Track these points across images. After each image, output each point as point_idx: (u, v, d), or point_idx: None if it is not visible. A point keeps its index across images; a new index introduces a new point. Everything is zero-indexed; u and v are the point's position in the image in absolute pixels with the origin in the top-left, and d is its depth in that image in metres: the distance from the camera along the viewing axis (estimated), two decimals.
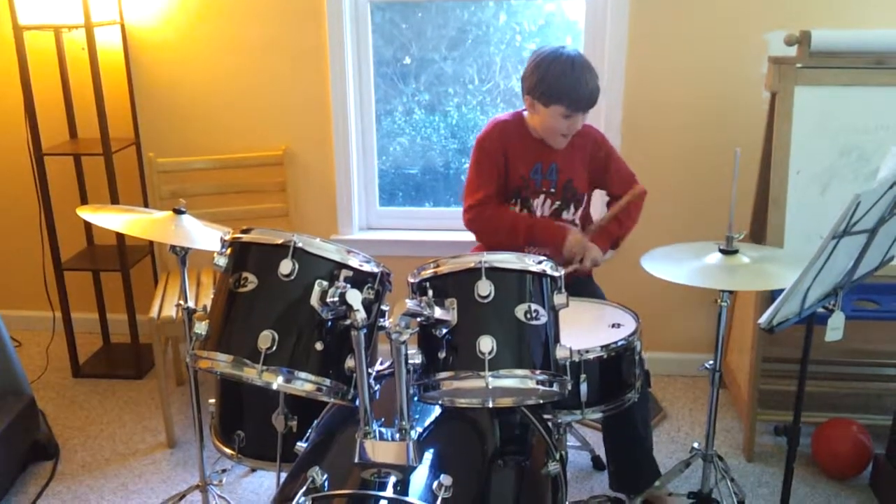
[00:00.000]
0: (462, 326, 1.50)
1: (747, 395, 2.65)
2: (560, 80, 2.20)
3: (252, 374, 1.48)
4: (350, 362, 1.52)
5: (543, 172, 2.36)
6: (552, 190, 2.37)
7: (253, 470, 2.58)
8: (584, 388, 1.82)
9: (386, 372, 1.79)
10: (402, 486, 1.43)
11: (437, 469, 1.49)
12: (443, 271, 1.54)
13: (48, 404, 3.02)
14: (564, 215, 2.40)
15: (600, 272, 2.48)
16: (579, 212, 2.42)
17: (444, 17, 3.13)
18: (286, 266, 1.51)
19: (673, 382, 3.17)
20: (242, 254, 1.57)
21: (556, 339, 1.57)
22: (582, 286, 2.34)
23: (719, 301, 1.93)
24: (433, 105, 3.26)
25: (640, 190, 2.37)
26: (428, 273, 1.56)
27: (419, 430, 1.59)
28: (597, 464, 2.62)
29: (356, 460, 1.45)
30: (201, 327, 1.54)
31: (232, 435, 2.08)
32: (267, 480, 2.56)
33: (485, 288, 1.50)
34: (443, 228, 3.23)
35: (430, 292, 1.53)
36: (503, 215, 2.35)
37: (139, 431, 2.86)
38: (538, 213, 2.39)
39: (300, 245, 1.52)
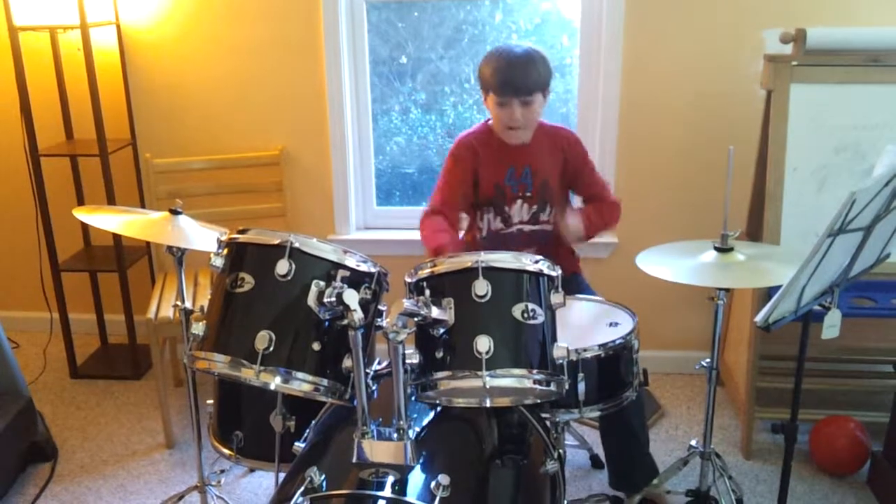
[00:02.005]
0: (459, 326, 1.50)
1: (745, 392, 2.66)
2: (488, 65, 2.24)
3: (250, 374, 1.49)
4: (347, 362, 1.52)
5: (518, 177, 2.35)
6: (528, 193, 2.36)
7: (251, 470, 2.59)
8: (581, 386, 1.82)
9: (383, 372, 1.79)
10: (401, 486, 1.43)
11: (435, 469, 1.49)
12: (440, 271, 1.55)
13: (46, 405, 3.02)
14: (542, 217, 2.39)
15: (597, 271, 2.48)
16: (553, 210, 2.40)
17: (440, 16, 3.13)
18: (283, 266, 1.51)
19: (670, 380, 3.18)
20: (239, 254, 1.58)
21: (554, 339, 1.57)
22: (568, 282, 2.33)
23: (715, 299, 1.94)
24: (430, 104, 3.26)
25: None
26: (425, 273, 1.56)
27: (417, 429, 1.59)
28: (595, 462, 2.62)
29: (354, 460, 1.45)
30: (199, 328, 1.55)
31: (230, 435, 2.08)
32: (265, 481, 2.56)
33: (482, 287, 1.50)
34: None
35: (428, 292, 1.53)
36: (432, 228, 2.28)
37: (137, 432, 2.86)
38: (516, 220, 2.39)
39: (297, 245, 1.52)
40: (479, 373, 1.46)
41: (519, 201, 2.37)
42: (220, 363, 1.51)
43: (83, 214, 2.09)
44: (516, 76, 2.21)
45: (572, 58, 3.08)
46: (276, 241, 1.53)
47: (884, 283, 2.48)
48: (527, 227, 2.40)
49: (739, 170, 2.70)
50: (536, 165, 2.35)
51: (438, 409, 1.71)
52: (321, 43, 3.02)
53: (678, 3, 2.85)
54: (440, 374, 1.50)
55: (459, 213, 2.40)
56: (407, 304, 1.43)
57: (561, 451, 1.87)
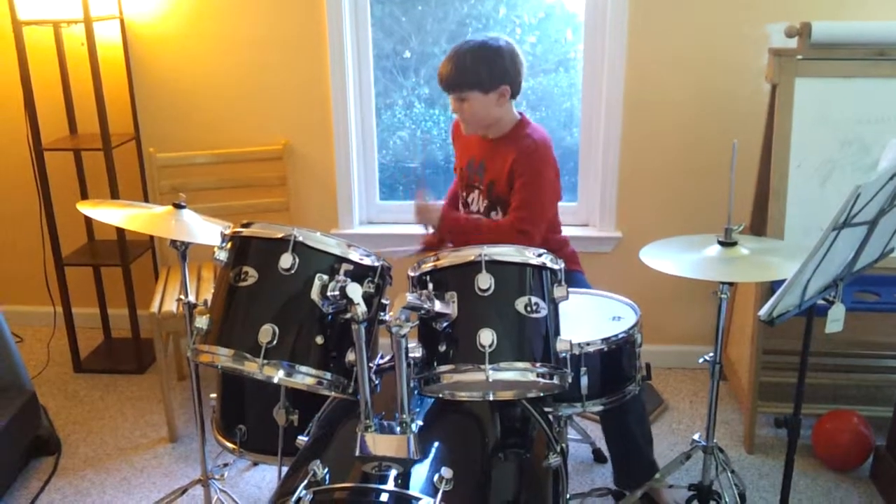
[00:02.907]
0: (462, 320, 1.50)
1: (748, 387, 2.66)
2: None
3: (253, 368, 1.49)
4: (351, 356, 1.53)
5: (475, 168, 2.40)
6: (481, 187, 2.39)
7: (254, 464, 2.59)
8: (584, 380, 1.82)
9: (387, 365, 1.79)
10: (404, 480, 1.43)
11: (438, 462, 1.49)
12: (443, 265, 1.55)
13: (50, 399, 3.03)
14: (493, 215, 2.38)
15: (600, 265, 2.48)
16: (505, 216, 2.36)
17: (443, 10, 3.13)
18: (286, 260, 1.51)
19: (673, 375, 3.18)
20: (243, 248, 1.58)
21: (557, 332, 1.57)
22: (567, 278, 2.31)
23: (719, 293, 1.94)
24: (433, 99, 3.26)
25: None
26: (428, 266, 1.56)
27: (420, 423, 1.59)
28: (598, 456, 2.62)
29: (357, 454, 1.45)
30: (202, 321, 1.55)
31: (233, 429, 2.09)
32: (269, 474, 2.56)
33: (485, 281, 1.50)
34: None
35: (431, 286, 1.53)
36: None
37: (141, 426, 2.87)
38: (473, 208, 2.42)
39: (300, 239, 1.52)
40: (483, 366, 1.46)
41: (476, 192, 2.41)
42: (223, 357, 1.51)
43: (87, 208, 2.09)
44: (444, 72, 2.23)
45: (576, 52, 3.07)
46: (280, 235, 1.53)
47: (888, 277, 2.48)
48: (485, 220, 2.40)
49: (743, 164, 2.69)
50: (490, 164, 2.36)
51: (441, 402, 1.71)
52: (325, 37, 3.02)
53: None
54: (443, 368, 1.50)
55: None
56: (410, 297, 1.43)
57: (563, 445, 1.87)
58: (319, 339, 1.52)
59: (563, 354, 1.56)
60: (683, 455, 2.20)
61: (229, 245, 1.59)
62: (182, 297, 2.07)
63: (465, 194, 2.47)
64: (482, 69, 2.20)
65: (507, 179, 2.30)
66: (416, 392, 1.56)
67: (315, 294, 1.51)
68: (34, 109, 2.99)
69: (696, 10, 2.84)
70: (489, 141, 2.36)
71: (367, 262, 1.57)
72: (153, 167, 2.98)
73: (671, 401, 2.99)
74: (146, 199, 3.23)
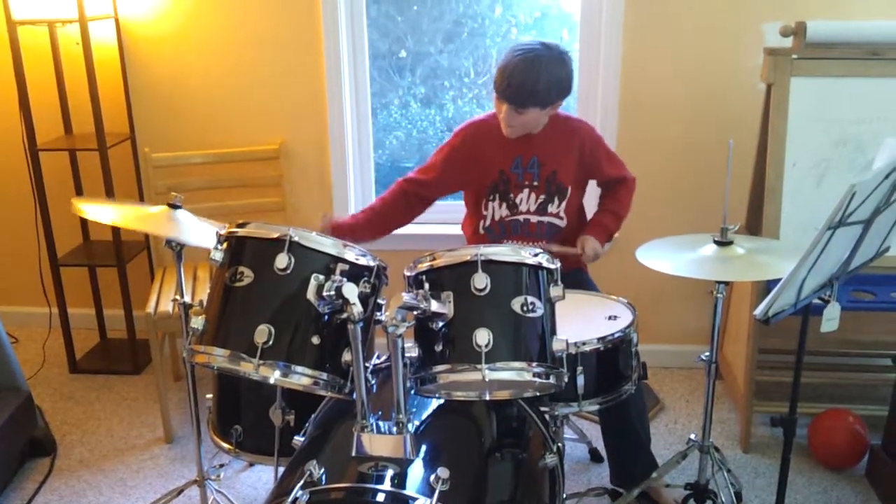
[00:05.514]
0: (458, 319, 1.50)
1: (744, 386, 2.66)
2: (503, 59, 2.20)
3: (249, 368, 1.48)
4: (347, 356, 1.52)
5: (524, 166, 2.34)
6: (535, 183, 2.35)
7: (251, 464, 2.59)
8: (580, 380, 1.83)
9: (383, 365, 1.79)
10: (400, 480, 1.43)
11: (434, 462, 1.49)
12: (439, 264, 1.55)
13: (45, 400, 3.02)
14: (550, 209, 2.38)
15: (596, 265, 2.48)
16: (563, 204, 2.38)
17: (439, 9, 3.13)
18: (282, 260, 1.50)
19: (670, 374, 3.18)
20: (238, 248, 1.57)
21: (553, 332, 1.57)
22: (573, 278, 2.34)
23: (714, 292, 1.94)
24: (429, 98, 3.26)
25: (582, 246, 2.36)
26: (424, 266, 1.56)
27: (416, 423, 1.59)
28: (594, 456, 2.62)
29: (353, 454, 1.45)
30: (198, 322, 1.54)
31: (230, 429, 2.09)
32: (265, 475, 2.56)
33: (481, 281, 1.50)
34: (439, 222, 3.23)
35: (427, 285, 1.53)
36: (378, 201, 2.46)
37: (137, 427, 2.86)
38: (523, 208, 2.38)
39: (296, 239, 1.52)
40: (479, 366, 1.46)
41: (526, 190, 2.36)
42: (219, 357, 1.51)
43: (82, 204, 2.08)
44: (511, 86, 2.17)
45: (572, 52, 3.07)
46: (276, 235, 1.53)
47: (883, 276, 2.49)
48: (534, 218, 2.39)
49: (739, 163, 2.70)
50: (544, 156, 2.34)
51: (438, 402, 1.71)
52: (321, 37, 3.02)
53: None
54: (439, 368, 1.50)
55: (436, 182, 2.40)
56: (406, 297, 1.43)
57: (560, 444, 1.87)
58: (315, 340, 1.52)
59: (560, 354, 1.56)
60: (680, 454, 2.20)
61: (225, 245, 1.59)
62: (178, 297, 2.07)
63: (504, 197, 2.38)
64: (552, 91, 2.18)
65: (574, 167, 2.35)
66: (412, 392, 1.55)
67: (311, 294, 1.50)
68: (29, 109, 2.98)
69: (692, 11, 2.84)
70: (533, 135, 2.33)
71: (362, 261, 1.57)
72: (149, 167, 2.97)
73: (667, 400, 2.99)
74: (142, 199, 3.23)
